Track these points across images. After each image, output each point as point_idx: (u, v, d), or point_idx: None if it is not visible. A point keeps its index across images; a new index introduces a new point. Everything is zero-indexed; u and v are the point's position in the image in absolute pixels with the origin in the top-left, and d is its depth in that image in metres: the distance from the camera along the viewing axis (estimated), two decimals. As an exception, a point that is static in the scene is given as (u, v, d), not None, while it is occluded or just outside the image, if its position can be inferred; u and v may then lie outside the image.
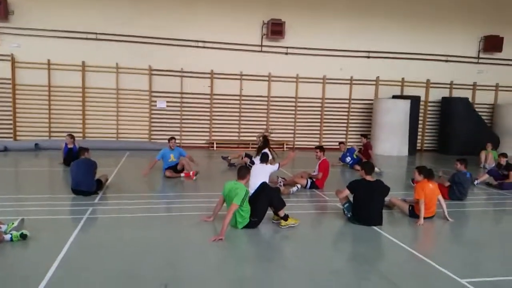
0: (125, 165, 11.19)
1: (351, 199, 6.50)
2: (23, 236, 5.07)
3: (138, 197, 7.67)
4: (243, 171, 6.05)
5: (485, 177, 9.91)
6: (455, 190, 8.19)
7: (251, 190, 6.27)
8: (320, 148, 9.14)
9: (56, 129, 14.46)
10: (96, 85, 14.69)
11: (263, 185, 6.36)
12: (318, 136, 16.62)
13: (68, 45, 14.27)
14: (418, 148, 17.06)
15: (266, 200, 6.01)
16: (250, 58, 15.66)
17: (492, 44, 17.11)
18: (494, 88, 17.79)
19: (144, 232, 5.71)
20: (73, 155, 9.50)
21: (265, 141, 10.41)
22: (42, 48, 14.11)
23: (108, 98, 14.83)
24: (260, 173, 7.34)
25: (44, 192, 8.05)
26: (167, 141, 10.07)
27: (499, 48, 17.19)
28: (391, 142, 15.34)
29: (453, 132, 16.34)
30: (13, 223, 5.27)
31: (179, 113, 15.47)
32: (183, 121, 15.54)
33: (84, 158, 7.70)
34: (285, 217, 6.10)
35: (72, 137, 10.84)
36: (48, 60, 14.24)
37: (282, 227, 6.06)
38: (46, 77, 14.28)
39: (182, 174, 9.57)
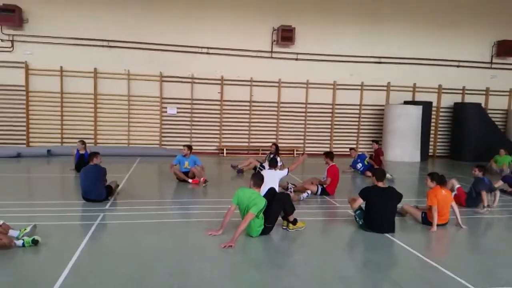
0: (136, 171, 11.25)
1: (363, 206, 6.43)
2: (35, 242, 5.11)
3: (149, 203, 7.69)
4: (260, 179, 6.02)
5: (499, 183, 9.72)
6: (474, 197, 8.04)
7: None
8: (327, 154, 9.12)
9: (68, 135, 14.62)
10: (108, 92, 14.84)
11: (273, 191, 6.35)
12: (328, 142, 16.54)
13: (80, 52, 14.46)
14: (430, 154, 16.87)
15: (280, 206, 6.03)
16: (260, 64, 15.69)
17: (505, 48, 16.87)
18: (507, 93, 17.54)
19: (154, 238, 5.71)
20: (85, 161, 9.58)
21: (276, 148, 11.34)
22: (55, 55, 14.31)
23: (119, 105, 14.97)
24: (270, 179, 7.28)
25: (56, 198, 8.12)
26: (181, 147, 10.22)
27: (512, 53, 16.99)
28: (402, 148, 15.19)
29: (466, 138, 16.12)
30: (25, 229, 5.32)
31: (189, 119, 15.54)
32: (194, 127, 15.60)
33: (93, 165, 7.66)
34: (294, 221, 6.20)
35: (83, 143, 10.92)
36: (61, 67, 14.44)
37: (290, 230, 6.17)
38: (59, 83, 14.47)
39: (190, 180, 9.58)
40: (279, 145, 12.63)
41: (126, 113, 15.02)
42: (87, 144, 11.19)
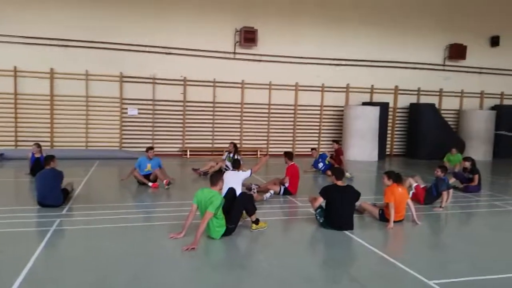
0: (94, 175, 10.94)
1: (323, 204, 6.58)
2: (-14, 250, 4.88)
3: (108, 208, 7.50)
4: (216, 178, 6.00)
5: (452, 180, 10.20)
6: (435, 196, 8.34)
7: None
8: (286, 153, 9.31)
9: (22, 138, 14.01)
10: (65, 93, 14.34)
11: (233, 191, 6.37)
12: (291, 142, 16.76)
13: (35, 52, 13.89)
14: (387, 153, 17.45)
15: (241, 206, 6.08)
16: (223, 65, 15.68)
17: (456, 52, 17.77)
18: (459, 94, 18.45)
19: (114, 243, 5.59)
20: (41, 165, 9.20)
21: (235, 148, 11.55)
22: (8, 55, 13.70)
23: (77, 106, 14.51)
24: (233, 180, 7.30)
25: (9, 204, 7.76)
26: (142, 149, 9.97)
27: (463, 56, 17.87)
28: (361, 148, 15.63)
29: (421, 137, 16.81)
30: (-25, 237, 5.07)
31: (151, 120, 15.29)
32: (156, 128, 15.36)
33: (49, 168, 7.39)
34: (256, 221, 6.25)
35: (39, 146, 10.51)
36: (15, 67, 13.83)
37: (253, 230, 6.21)
38: (12, 84, 13.85)
39: (150, 184, 9.39)
40: (243, 146, 12.69)
41: (84, 114, 14.58)
42: (43, 147, 10.77)
